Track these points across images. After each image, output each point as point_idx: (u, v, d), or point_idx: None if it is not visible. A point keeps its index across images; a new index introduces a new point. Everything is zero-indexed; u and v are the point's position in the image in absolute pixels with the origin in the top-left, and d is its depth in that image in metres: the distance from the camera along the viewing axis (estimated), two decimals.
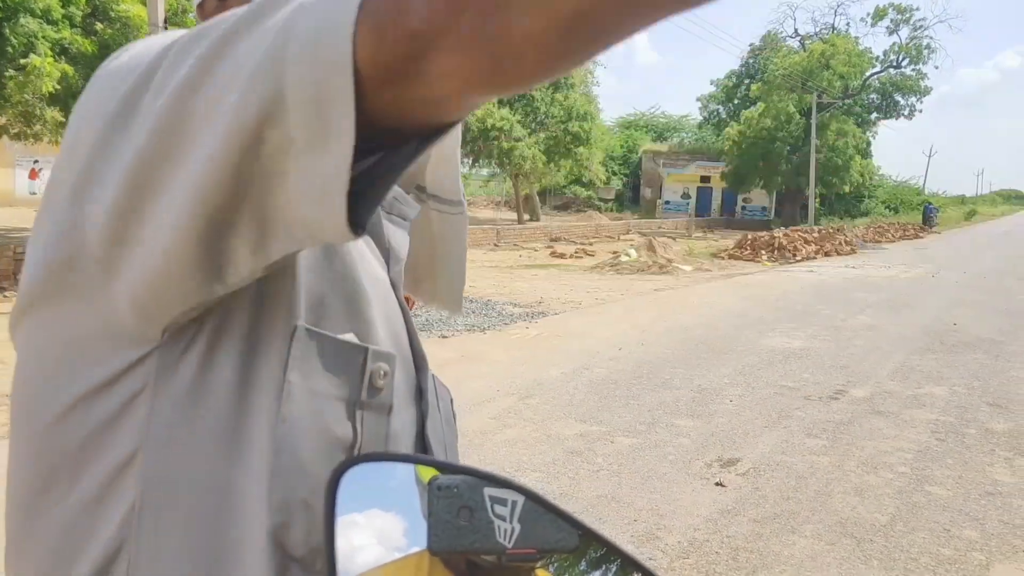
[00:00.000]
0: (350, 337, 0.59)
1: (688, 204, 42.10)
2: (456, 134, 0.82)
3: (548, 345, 7.88)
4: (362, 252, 0.66)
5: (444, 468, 0.55)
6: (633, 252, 16.79)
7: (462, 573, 0.54)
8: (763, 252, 20.17)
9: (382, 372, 0.61)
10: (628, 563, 0.55)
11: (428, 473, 0.54)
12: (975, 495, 4.31)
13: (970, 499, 4.25)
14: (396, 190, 0.78)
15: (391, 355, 0.62)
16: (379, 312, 0.64)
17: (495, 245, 21.12)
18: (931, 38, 39.36)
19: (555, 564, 0.55)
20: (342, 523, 0.52)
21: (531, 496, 0.52)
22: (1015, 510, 4.13)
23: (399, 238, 0.75)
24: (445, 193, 0.86)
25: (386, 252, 0.72)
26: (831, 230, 25.71)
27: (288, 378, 0.55)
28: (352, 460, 0.52)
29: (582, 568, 0.56)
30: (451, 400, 0.81)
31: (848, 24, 42.30)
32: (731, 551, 3.53)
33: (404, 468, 0.57)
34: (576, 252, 19.28)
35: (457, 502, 0.52)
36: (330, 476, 0.52)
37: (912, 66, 39.85)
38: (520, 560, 0.53)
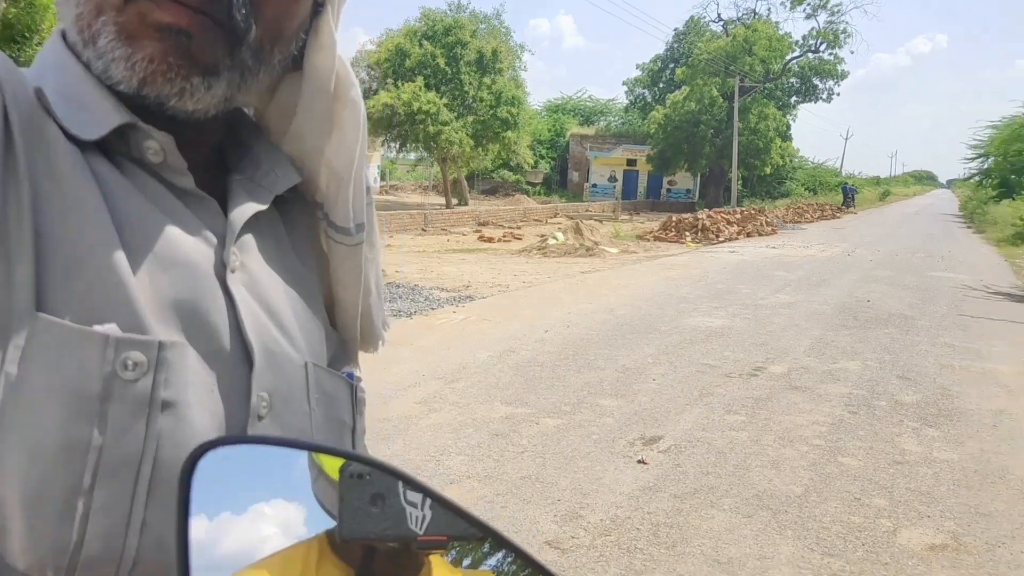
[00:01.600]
0: (100, 327, 0.53)
1: (615, 187, 42.54)
2: (350, 149, 0.73)
3: (475, 329, 7.87)
4: (149, 232, 0.59)
5: (325, 452, 0.54)
6: (560, 235, 16.89)
7: (355, 560, 0.52)
8: (687, 234, 20.54)
9: (130, 363, 0.53)
10: (526, 560, 0.54)
11: (328, 460, 0.52)
12: (884, 464, 4.48)
13: (879, 468, 4.42)
14: (268, 152, 0.72)
15: (150, 342, 0.54)
16: (159, 296, 0.57)
17: (423, 230, 21.00)
18: (847, 23, 40.51)
19: (456, 550, 0.54)
20: (200, 514, 0.49)
21: (433, 496, 0.51)
22: (921, 478, 4.31)
23: (244, 208, 0.66)
24: (334, 215, 0.75)
25: (222, 231, 0.65)
26: (753, 211, 26.32)
27: (5, 370, 0.50)
28: (209, 443, 0.49)
29: (482, 554, 0.55)
30: (353, 398, 0.75)
31: (769, 9, 43.37)
32: (652, 527, 3.59)
33: (285, 452, 0.54)
34: (504, 236, 19.30)
35: (369, 489, 0.50)
36: (184, 462, 0.49)
37: (829, 51, 40.99)
38: (430, 547, 0.52)
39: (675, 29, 45.16)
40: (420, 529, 0.50)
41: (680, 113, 36.63)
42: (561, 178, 46.25)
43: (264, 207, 0.68)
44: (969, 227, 35.04)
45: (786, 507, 3.86)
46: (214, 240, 0.63)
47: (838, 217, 37.21)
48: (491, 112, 28.46)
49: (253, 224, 0.67)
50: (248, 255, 0.66)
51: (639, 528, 3.58)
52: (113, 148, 0.59)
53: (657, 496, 3.93)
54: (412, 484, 0.50)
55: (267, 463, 0.53)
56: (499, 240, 18.60)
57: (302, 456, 0.54)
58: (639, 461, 4.37)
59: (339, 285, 0.78)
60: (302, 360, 0.67)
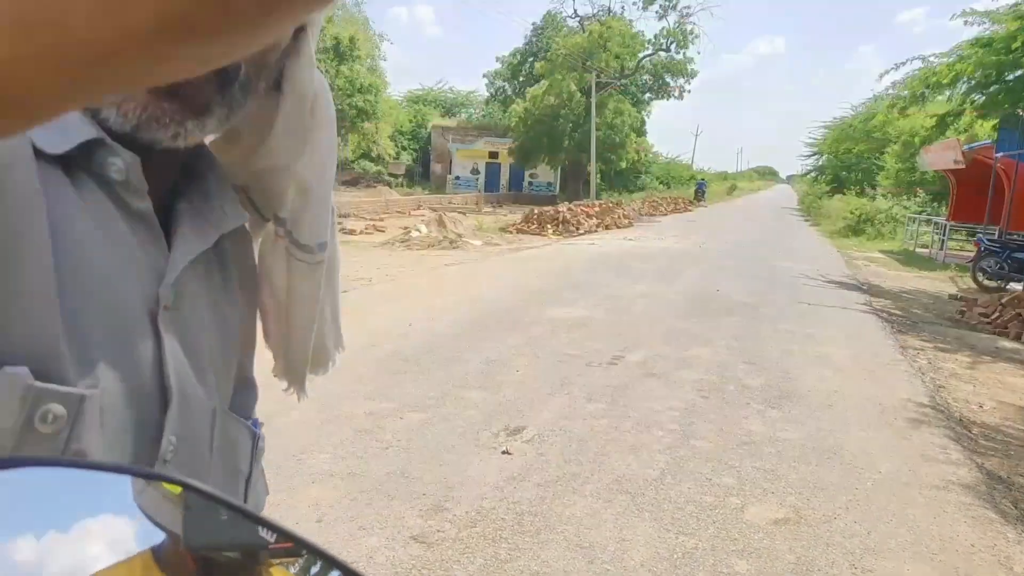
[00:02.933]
0: (20, 371, 0.50)
1: (477, 180, 42.78)
2: (322, 167, 0.74)
3: None
4: (90, 261, 0.57)
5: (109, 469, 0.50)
6: (424, 228, 16.82)
7: (187, 573, 0.50)
8: (549, 226, 20.93)
9: (49, 417, 0.52)
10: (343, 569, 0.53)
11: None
12: (733, 445, 4.75)
13: (728, 449, 4.68)
14: (219, 185, 0.71)
15: (72, 395, 0.53)
16: (86, 329, 0.55)
17: None
18: (695, 24, 42.34)
19: (303, 559, 0.52)
20: (25, 534, 0.45)
21: (250, 517, 0.49)
22: (766, 456, 4.59)
23: (189, 246, 0.65)
24: (298, 232, 0.76)
25: (163, 264, 0.63)
26: (611, 204, 27.14)
27: None
28: None
29: (327, 566, 0.53)
30: (253, 446, 0.75)
31: (623, 8, 44.61)
32: (516, 516, 3.65)
33: (90, 473, 0.51)
34: (366, 228, 19.02)
35: (211, 502, 0.48)
36: None
37: (679, 50, 42.72)
38: (280, 555, 0.50)
39: (533, 23, 45.86)
40: (271, 537, 0.49)
41: (540, 107, 37.22)
42: (424, 170, 46.06)
43: (208, 246, 0.67)
44: (807, 220, 37.52)
45: (644, 490, 4.02)
46: (153, 275, 0.62)
47: (690, 210, 38.95)
48: (348, 100, 27.95)
49: (195, 261, 0.66)
50: (182, 291, 0.64)
51: (504, 518, 3.63)
52: (76, 162, 0.58)
53: (521, 486, 4.00)
54: (252, 517, 0.48)
55: (87, 479, 0.50)
56: (361, 232, 18.31)
57: (94, 475, 0.51)
58: (503, 452, 4.43)
59: (296, 304, 0.78)
60: (211, 405, 0.67)
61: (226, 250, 0.73)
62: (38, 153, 0.55)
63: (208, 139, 0.72)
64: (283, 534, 0.49)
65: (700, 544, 3.49)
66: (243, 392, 0.79)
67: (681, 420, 5.18)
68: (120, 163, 0.59)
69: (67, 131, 0.57)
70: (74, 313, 0.55)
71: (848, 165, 48.44)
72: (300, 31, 0.68)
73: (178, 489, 0.50)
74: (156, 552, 0.48)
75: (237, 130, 0.72)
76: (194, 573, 0.49)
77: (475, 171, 43.35)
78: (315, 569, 0.53)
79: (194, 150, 0.69)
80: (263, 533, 0.48)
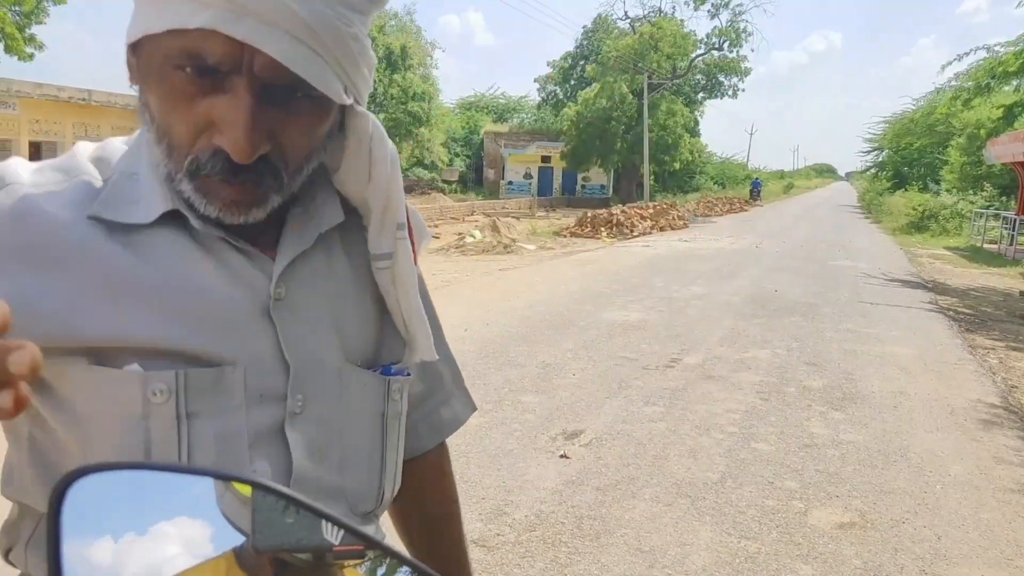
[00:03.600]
0: (133, 367, 0.72)
1: (530, 184, 42.80)
2: (381, 193, 0.86)
3: None
4: (203, 281, 0.76)
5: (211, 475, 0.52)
6: (478, 233, 16.91)
7: (266, 574, 0.51)
8: (602, 229, 20.84)
9: (156, 391, 0.72)
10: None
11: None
12: (794, 448, 4.66)
13: (790, 452, 4.59)
14: (324, 189, 0.86)
15: (169, 375, 0.73)
16: (204, 330, 0.75)
17: None
18: (748, 22, 41.74)
19: (371, 561, 0.53)
20: (75, 541, 0.47)
21: (322, 515, 0.50)
22: (829, 459, 4.50)
23: (291, 248, 0.81)
24: (372, 245, 0.89)
25: (270, 268, 0.80)
26: (665, 206, 26.90)
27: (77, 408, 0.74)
28: (78, 471, 0.47)
29: (395, 563, 0.54)
30: (387, 390, 0.88)
31: (674, 8, 44.23)
32: (576, 520, 3.65)
33: (172, 477, 0.53)
34: None
35: (284, 501, 0.49)
36: (52, 491, 0.47)
37: (732, 48, 42.15)
38: (345, 557, 0.51)
39: (584, 26, 45.73)
40: (335, 539, 0.50)
41: (592, 110, 37.09)
42: (477, 176, 46.27)
43: (306, 248, 0.82)
44: (867, 217, 36.66)
45: (704, 494, 3.98)
46: (264, 277, 0.79)
47: (746, 210, 38.38)
48: (402, 108, 28.26)
49: (301, 257, 0.82)
50: (295, 283, 0.81)
51: (563, 522, 3.63)
52: (169, 223, 0.77)
53: (580, 489, 3.99)
54: (310, 509, 0.49)
55: (169, 484, 0.52)
56: None
57: (184, 479, 0.52)
58: (561, 456, 4.43)
59: (387, 297, 0.92)
60: (335, 365, 0.83)
61: (333, 245, 0.87)
62: (114, 225, 0.74)
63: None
64: (350, 530, 0.50)
65: (763, 548, 3.43)
66: (390, 349, 0.92)
67: (741, 423, 5.10)
68: (197, 223, 0.76)
69: (150, 206, 0.75)
70: (177, 319, 0.74)
71: (909, 160, 47.17)
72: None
73: (249, 491, 0.51)
74: (238, 553, 0.50)
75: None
76: (272, 572, 0.51)
77: (528, 176, 43.39)
78: (381, 571, 0.54)
79: None
80: (328, 535, 0.49)
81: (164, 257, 0.75)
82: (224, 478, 0.52)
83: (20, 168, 0.76)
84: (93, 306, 0.72)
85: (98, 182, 0.77)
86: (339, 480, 0.84)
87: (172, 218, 0.76)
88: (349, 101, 0.76)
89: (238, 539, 0.51)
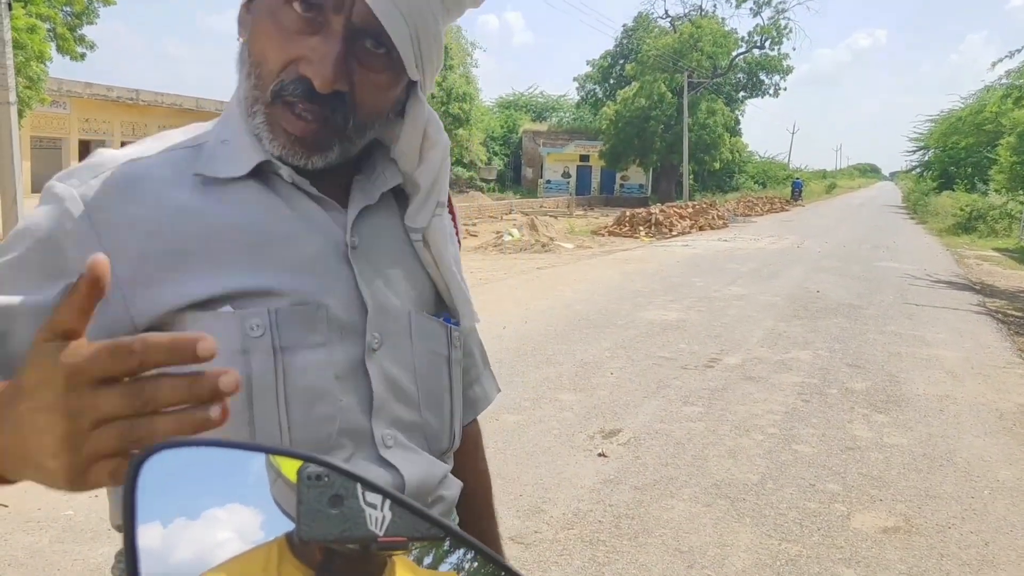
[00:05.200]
0: (226, 308, 0.79)
1: (568, 183, 42.71)
2: (431, 176, 0.95)
3: None
4: (290, 230, 0.85)
5: (279, 454, 0.53)
6: (516, 232, 16.92)
7: (315, 561, 0.52)
8: (641, 228, 20.73)
9: (253, 326, 0.79)
10: (487, 558, 0.54)
11: (287, 462, 0.51)
12: (837, 451, 4.59)
13: (832, 455, 4.52)
14: (383, 159, 0.94)
15: (263, 312, 0.80)
16: (297, 272, 0.83)
17: None
18: (790, 19, 41.20)
19: (417, 550, 0.53)
20: (153, 519, 0.48)
21: (391, 497, 0.50)
22: (872, 463, 4.42)
23: (358, 203, 0.90)
24: (409, 219, 0.97)
25: (344, 222, 0.89)
26: (704, 205, 26.67)
27: None
28: (155, 447, 0.48)
29: (442, 552, 0.54)
30: (448, 336, 0.97)
31: (715, 6, 43.90)
32: (614, 519, 3.63)
33: (240, 455, 0.53)
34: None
35: (328, 491, 0.49)
36: (128, 467, 0.48)
37: (773, 47, 41.65)
38: (390, 548, 0.51)
39: (624, 25, 45.50)
40: (380, 530, 0.50)
41: (631, 109, 36.91)
42: (515, 174, 46.28)
43: (372, 202, 0.91)
44: (912, 218, 35.96)
45: (744, 495, 3.93)
46: (338, 228, 0.88)
47: (787, 210, 37.88)
48: (443, 109, 28.38)
49: (372, 212, 0.91)
50: (364, 235, 0.90)
51: (601, 520, 3.61)
52: (267, 170, 0.86)
53: (618, 488, 3.97)
54: (368, 485, 0.50)
55: (221, 465, 0.52)
56: None
57: (258, 458, 0.53)
58: (599, 454, 4.41)
59: (429, 268, 1.00)
60: (406, 309, 0.91)
61: (391, 207, 0.96)
62: (214, 179, 0.84)
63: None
64: (407, 506, 0.50)
65: (804, 551, 3.38)
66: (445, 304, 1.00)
67: (781, 424, 5.04)
68: (286, 172, 0.85)
69: (244, 158, 0.84)
70: (287, 262, 0.83)
71: (956, 160, 46.15)
72: (415, 83, 0.90)
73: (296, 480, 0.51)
74: (290, 538, 0.51)
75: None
76: (321, 561, 0.51)
77: (566, 174, 43.31)
78: (428, 559, 0.54)
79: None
80: (373, 525, 0.50)
81: (254, 209, 0.84)
82: (297, 457, 0.52)
83: (121, 150, 0.85)
84: (197, 265, 0.80)
85: (195, 149, 0.87)
86: (417, 417, 0.91)
87: (259, 175, 0.85)
88: (418, 77, 0.86)
89: (289, 524, 0.51)
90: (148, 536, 0.47)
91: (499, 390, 1.21)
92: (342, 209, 0.90)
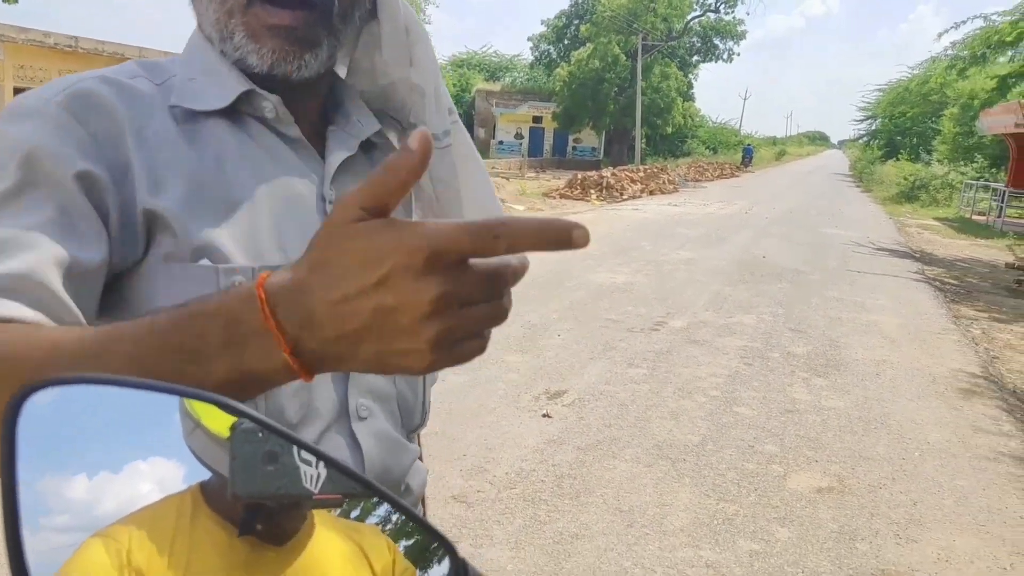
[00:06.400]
0: (203, 262, 0.73)
1: (521, 144, 42.48)
2: (427, 72, 0.92)
3: None
4: (267, 176, 0.79)
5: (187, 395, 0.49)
6: None
7: (233, 514, 0.49)
8: (592, 191, 20.76)
9: (236, 282, 0.72)
10: (411, 517, 0.52)
11: (206, 412, 0.47)
12: (776, 413, 4.69)
13: (772, 417, 4.62)
14: (357, 107, 0.91)
15: (247, 268, 0.74)
16: (272, 225, 0.78)
17: None
18: None
19: (345, 504, 0.51)
20: (33, 466, 0.43)
21: (321, 457, 0.47)
22: (809, 425, 4.53)
23: (336, 155, 0.85)
24: (425, 126, 0.90)
25: (320, 168, 0.85)
26: (656, 170, 26.79)
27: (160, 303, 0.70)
28: (36, 384, 0.42)
29: (370, 505, 0.52)
30: None
31: None
32: (556, 478, 3.66)
33: (146, 397, 0.49)
34: None
35: (262, 447, 0.47)
36: (7, 406, 0.41)
37: (728, 11, 41.73)
38: (324, 506, 0.50)
39: None
40: (315, 488, 0.48)
41: (585, 71, 36.73)
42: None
43: (352, 153, 0.87)
44: (858, 186, 36.67)
45: (684, 456, 4.00)
46: (316, 179, 0.84)
47: (737, 176, 38.31)
48: None
49: (348, 165, 0.86)
50: (341, 189, 0.84)
51: (543, 480, 3.64)
52: (242, 110, 0.81)
53: (561, 448, 4.00)
54: (302, 445, 0.47)
55: (132, 408, 0.49)
56: None
57: (171, 403, 0.49)
58: (544, 415, 4.44)
59: (439, 185, 0.97)
60: None
61: (376, 157, 0.92)
62: (194, 113, 0.78)
63: (342, 72, 0.94)
64: (337, 467, 0.48)
65: (741, 511, 3.46)
66: None
67: (724, 387, 5.12)
68: (269, 105, 0.81)
69: (226, 89, 0.79)
70: (265, 210, 0.78)
71: (902, 129, 47.16)
72: None
73: (227, 433, 0.48)
74: (205, 488, 0.48)
75: (357, 59, 0.93)
76: (241, 510, 0.49)
77: (519, 136, 43.07)
78: (355, 513, 0.52)
79: (331, 86, 0.91)
80: (307, 482, 0.47)
81: (231, 151, 0.79)
82: (199, 398, 0.49)
83: (105, 70, 0.80)
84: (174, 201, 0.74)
85: (161, 87, 0.80)
86: (391, 388, 0.87)
87: (234, 116, 0.80)
88: None
89: (205, 474, 0.48)
90: (33, 488, 0.43)
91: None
92: (320, 159, 0.86)
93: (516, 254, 0.48)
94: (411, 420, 0.91)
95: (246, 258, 0.76)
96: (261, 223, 0.78)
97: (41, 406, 0.43)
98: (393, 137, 1.01)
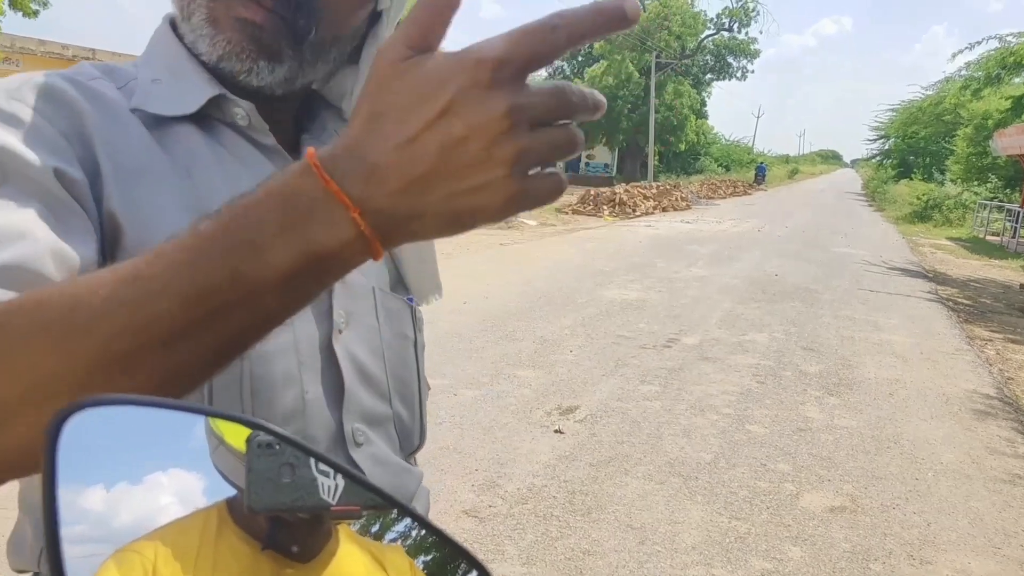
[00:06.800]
0: None
1: None
2: None
3: None
4: (237, 185, 0.71)
5: (216, 416, 0.51)
6: None
7: (259, 529, 0.50)
8: (605, 207, 20.78)
9: None
10: (433, 531, 0.53)
11: (227, 426, 0.49)
12: (788, 431, 4.67)
13: (784, 435, 4.61)
14: (332, 116, 0.85)
15: None
16: None
17: None
18: (758, 2, 41.36)
19: (364, 518, 0.52)
20: (71, 481, 0.45)
21: (340, 470, 0.49)
22: (822, 444, 4.51)
23: None
24: None
25: None
26: (668, 186, 26.80)
27: None
28: (77, 404, 0.44)
29: (390, 520, 0.54)
30: (413, 317, 0.89)
31: None
32: (568, 495, 3.66)
33: (180, 417, 0.51)
34: None
35: (279, 459, 0.48)
36: (48, 426, 0.43)
37: (741, 29, 41.79)
38: (342, 517, 0.51)
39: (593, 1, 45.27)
40: (332, 499, 0.49)
41: (598, 87, 36.68)
42: None
43: None
44: (871, 205, 36.55)
45: (696, 474, 3.99)
46: None
47: (749, 194, 38.26)
48: None
49: None
50: None
51: (555, 496, 3.64)
52: (209, 115, 0.74)
53: (573, 465, 4.00)
54: (316, 456, 0.49)
55: (161, 428, 0.51)
56: None
57: (198, 422, 0.51)
58: (556, 431, 4.44)
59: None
60: (370, 285, 0.82)
61: None
62: (160, 118, 0.71)
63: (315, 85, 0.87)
64: (356, 480, 0.50)
65: (753, 529, 3.45)
66: (395, 278, 0.91)
67: (736, 405, 5.11)
68: (242, 111, 0.74)
69: (193, 93, 0.72)
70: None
71: (916, 149, 47.00)
72: (377, 17, 0.81)
73: (244, 449, 0.50)
74: (231, 504, 0.49)
75: (330, 96, 0.87)
76: (266, 526, 0.50)
77: None
78: (375, 528, 0.54)
79: (307, 95, 0.84)
80: (325, 494, 0.49)
81: (202, 160, 0.73)
82: (227, 418, 0.50)
83: (56, 72, 0.72)
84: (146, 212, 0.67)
85: (121, 90, 0.73)
86: (387, 409, 0.83)
87: (202, 121, 0.74)
88: (386, 5, 0.79)
89: (231, 490, 0.50)
90: (70, 503, 0.45)
91: (429, 387, 1.11)
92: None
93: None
94: (410, 442, 0.87)
95: None
96: None
97: (78, 425, 0.45)
98: None
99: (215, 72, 0.73)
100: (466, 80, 0.41)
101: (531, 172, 0.44)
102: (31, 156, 0.60)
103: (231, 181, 0.72)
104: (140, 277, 0.45)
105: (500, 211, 0.44)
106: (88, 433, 0.46)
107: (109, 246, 0.65)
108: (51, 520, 0.43)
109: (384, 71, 0.43)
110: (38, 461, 0.42)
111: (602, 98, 0.45)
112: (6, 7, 14.56)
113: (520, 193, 0.44)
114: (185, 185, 0.70)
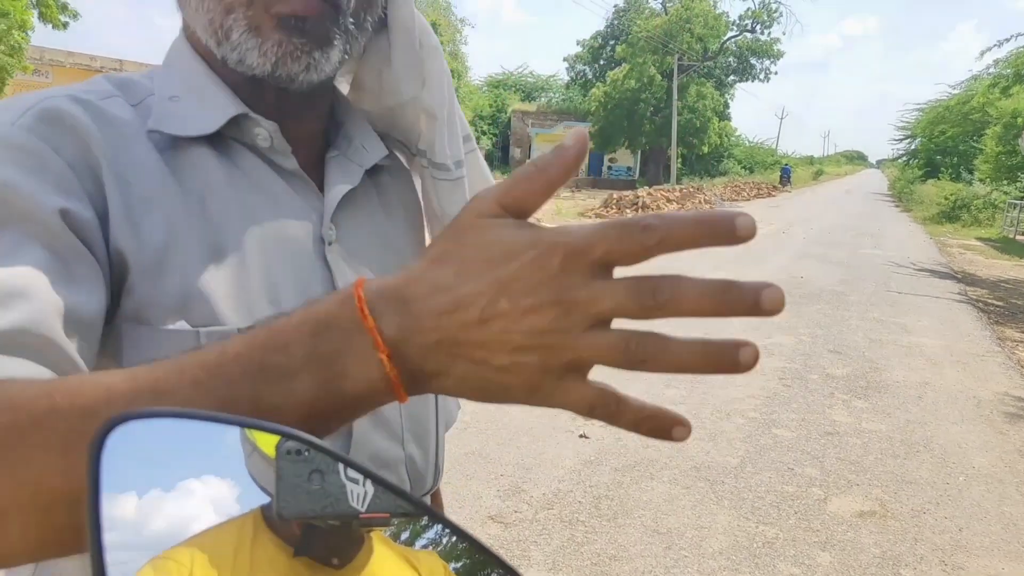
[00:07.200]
0: (180, 324, 0.63)
1: None
2: (441, 92, 0.83)
3: None
4: (258, 215, 0.69)
5: (256, 428, 0.52)
6: None
7: (292, 536, 0.51)
8: (628, 211, 20.72)
9: None
10: (463, 537, 0.54)
11: (263, 436, 0.50)
12: (816, 435, 4.63)
13: (811, 439, 4.56)
14: (361, 129, 0.82)
15: (229, 331, 0.63)
16: (264, 275, 0.68)
17: None
18: (781, 3, 41.11)
19: (394, 525, 0.53)
20: (127, 490, 0.46)
21: (371, 476, 0.49)
22: (850, 448, 4.46)
23: (338, 188, 0.76)
24: (434, 155, 0.85)
25: (319, 203, 0.75)
26: (692, 189, 26.69)
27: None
28: (120, 417, 0.45)
29: (419, 527, 0.54)
30: None
31: None
32: (593, 499, 3.65)
33: (214, 427, 0.52)
34: None
35: (308, 466, 0.49)
36: (94, 434, 0.44)
37: (764, 31, 41.56)
38: (372, 524, 0.51)
39: (615, 6, 45.26)
40: (361, 506, 0.49)
41: (620, 91, 36.79)
42: (503, 155, 46.10)
43: (354, 185, 0.77)
44: (897, 206, 36.14)
45: (723, 478, 3.96)
46: (315, 218, 0.73)
47: (774, 195, 37.96)
48: None
49: (351, 198, 0.76)
50: (344, 227, 0.75)
51: (581, 501, 3.63)
52: (228, 136, 0.71)
53: (598, 469, 3.99)
54: (347, 463, 0.49)
55: (197, 438, 0.52)
56: None
57: (233, 431, 0.52)
58: (581, 435, 4.43)
59: (441, 220, 0.89)
60: None
61: (384, 183, 0.84)
62: (176, 139, 0.68)
63: (344, 89, 0.86)
64: (386, 486, 0.50)
65: (781, 534, 3.42)
66: None
67: (762, 408, 5.08)
68: (264, 132, 0.71)
69: (214, 111, 0.69)
70: (257, 257, 0.68)
71: (943, 149, 46.41)
72: None
73: (274, 454, 0.51)
74: (266, 511, 0.50)
75: (361, 76, 0.85)
76: (299, 536, 0.51)
77: None
78: (405, 535, 0.54)
79: (332, 104, 0.81)
80: (354, 501, 0.49)
81: (219, 186, 0.69)
82: (262, 429, 0.51)
83: (73, 87, 0.69)
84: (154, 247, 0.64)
85: (136, 108, 0.70)
86: (399, 452, 0.78)
87: (220, 143, 0.70)
88: None
89: (265, 497, 0.50)
90: (113, 511, 0.46)
91: (459, 406, 1.06)
92: (319, 192, 0.75)
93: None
94: (422, 485, 0.82)
95: (234, 316, 0.65)
96: (251, 273, 0.67)
97: (120, 437, 0.47)
98: (402, 160, 0.92)
99: (239, 89, 0.70)
100: (532, 259, 0.39)
101: (572, 369, 0.41)
102: (36, 195, 0.56)
103: (247, 211, 0.69)
104: (159, 393, 0.44)
105: (525, 399, 0.42)
106: (128, 444, 0.47)
107: (116, 285, 0.62)
108: (95, 529, 0.44)
109: (467, 221, 0.42)
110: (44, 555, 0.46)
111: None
112: (35, 19, 14.82)
113: (544, 392, 0.42)
114: (197, 216, 0.66)
